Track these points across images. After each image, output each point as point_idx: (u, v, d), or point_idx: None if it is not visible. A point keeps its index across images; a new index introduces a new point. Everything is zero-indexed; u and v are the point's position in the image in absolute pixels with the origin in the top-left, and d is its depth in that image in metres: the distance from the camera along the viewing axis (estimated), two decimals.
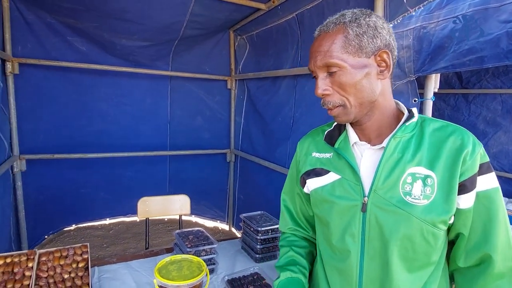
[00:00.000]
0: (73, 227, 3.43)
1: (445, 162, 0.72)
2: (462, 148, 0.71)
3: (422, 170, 0.73)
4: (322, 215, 0.86)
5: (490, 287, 0.73)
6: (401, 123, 0.78)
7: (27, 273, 1.24)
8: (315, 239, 1.00)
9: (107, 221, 3.59)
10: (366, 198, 0.77)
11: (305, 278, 0.92)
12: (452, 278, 0.84)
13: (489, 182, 0.72)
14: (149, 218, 2.25)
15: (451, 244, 0.81)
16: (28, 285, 1.18)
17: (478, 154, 0.71)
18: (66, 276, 1.26)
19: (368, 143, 0.81)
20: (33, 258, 1.32)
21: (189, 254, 1.35)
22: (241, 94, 3.57)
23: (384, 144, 0.77)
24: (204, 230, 1.66)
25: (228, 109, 3.71)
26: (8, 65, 2.52)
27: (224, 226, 3.91)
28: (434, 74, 1.61)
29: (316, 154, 0.91)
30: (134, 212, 2.22)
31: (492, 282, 0.73)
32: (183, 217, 2.43)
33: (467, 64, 1.21)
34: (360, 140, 0.83)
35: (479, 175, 0.71)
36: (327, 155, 0.88)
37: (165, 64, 3.36)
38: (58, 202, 3.12)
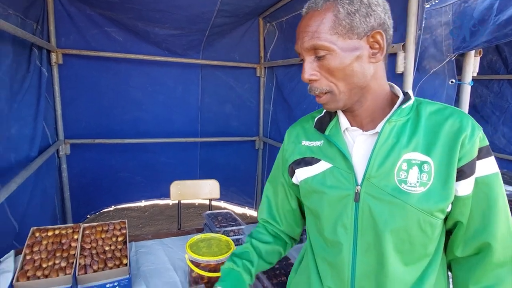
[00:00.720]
0: (112, 208, 3.66)
1: (443, 147, 0.67)
2: (461, 131, 0.66)
3: (418, 156, 0.68)
4: (313, 207, 0.82)
5: (489, 276, 0.69)
6: (396, 106, 0.73)
7: (73, 244, 1.36)
8: (289, 235, 0.98)
9: (143, 203, 3.79)
10: (358, 187, 0.72)
11: (247, 274, 0.89)
12: (449, 269, 0.80)
13: (488, 167, 0.67)
14: (181, 201, 2.36)
15: (448, 233, 0.76)
16: (74, 254, 1.31)
17: (477, 137, 0.66)
18: (107, 248, 1.37)
19: (360, 128, 0.76)
20: (78, 231, 1.45)
21: (218, 234, 1.41)
22: (269, 81, 3.57)
23: (378, 129, 0.72)
24: (232, 212, 1.72)
25: (257, 96, 3.73)
26: (53, 56, 2.71)
27: (253, 213, 3.98)
28: (473, 57, 1.52)
29: (306, 142, 0.86)
30: (167, 195, 2.35)
31: (491, 271, 0.69)
32: (213, 203, 2.52)
33: (509, 34, 1.13)
34: (352, 125, 0.78)
35: (478, 160, 0.67)
36: (318, 143, 0.83)
37: (196, 53, 3.43)
38: (98, 184, 3.34)
